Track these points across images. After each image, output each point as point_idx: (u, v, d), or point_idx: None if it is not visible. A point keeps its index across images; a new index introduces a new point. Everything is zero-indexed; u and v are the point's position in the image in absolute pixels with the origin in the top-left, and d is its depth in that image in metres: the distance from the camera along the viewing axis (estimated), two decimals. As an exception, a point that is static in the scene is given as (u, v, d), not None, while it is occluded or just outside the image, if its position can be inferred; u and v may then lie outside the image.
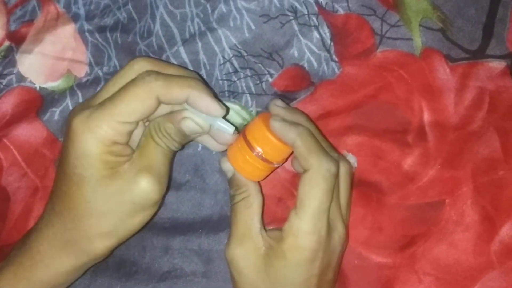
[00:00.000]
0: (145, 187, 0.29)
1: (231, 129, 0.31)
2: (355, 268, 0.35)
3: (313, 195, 0.30)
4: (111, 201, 0.29)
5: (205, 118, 0.30)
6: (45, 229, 0.31)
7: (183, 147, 0.32)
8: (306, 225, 0.30)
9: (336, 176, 0.31)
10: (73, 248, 0.30)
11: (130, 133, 0.30)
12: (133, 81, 0.29)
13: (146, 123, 0.32)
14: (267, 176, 0.33)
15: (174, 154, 0.32)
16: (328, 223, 0.31)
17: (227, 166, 0.33)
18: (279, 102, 0.33)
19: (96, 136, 0.28)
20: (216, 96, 0.31)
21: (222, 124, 0.30)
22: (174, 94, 0.29)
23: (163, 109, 0.30)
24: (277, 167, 0.33)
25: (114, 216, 0.30)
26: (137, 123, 0.29)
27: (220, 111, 0.30)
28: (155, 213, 0.31)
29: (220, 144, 0.32)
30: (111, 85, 0.30)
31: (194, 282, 0.36)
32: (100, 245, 0.30)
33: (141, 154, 0.30)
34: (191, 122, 0.30)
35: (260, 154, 0.31)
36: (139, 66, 0.30)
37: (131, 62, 0.30)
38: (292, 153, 0.32)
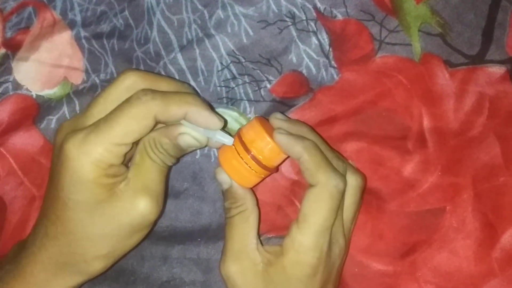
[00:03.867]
0: (143, 209, 0.28)
1: (230, 141, 0.30)
2: (356, 276, 0.35)
3: (318, 212, 0.29)
4: (109, 225, 0.28)
5: (203, 132, 0.30)
6: (38, 253, 0.30)
7: (178, 160, 0.31)
8: (308, 241, 0.29)
9: (343, 193, 0.30)
10: (69, 271, 0.30)
11: (125, 154, 0.29)
12: (128, 101, 0.28)
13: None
14: (261, 182, 0.32)
15: (169, 169, 0.31)
16: (330, 238, 0.30)
17: (223, 177, 0.32)
18: (279, 115, 0.33)
19: (92, 161, 0.27)
20: (212, 108, 0.31)
21: (221, 137, 0.30)
22: (172, 113, 0.28)
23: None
24: (272, 173, 0.32)
25: (112, 239, 0.29)
26: (133, 143, 0.29)
27: (219, 124, 0.29)
28: (150, 232, 0.31)
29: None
30: (102, 102, 0.29)
31: (193, 291, 0.36)
32: (97, 267, 0.30)
33: (137, 173, 0.29)
34: (189, 137, 0.29)
35: (255, 157, 0.30)
36: (130, 81, 0.29)
37: (121, 76, 0.30)
38: (287, 157, 0.32)
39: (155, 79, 0.30)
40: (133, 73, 0.30)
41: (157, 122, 0.29)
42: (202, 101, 0.29)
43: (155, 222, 0.30)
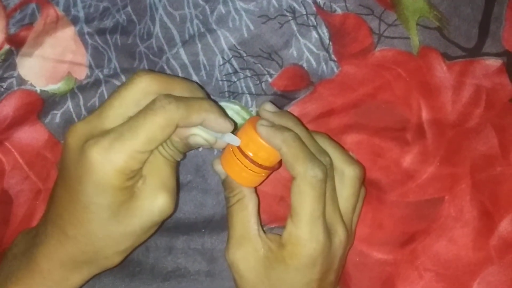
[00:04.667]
0: (163, 205, 0.30)
1: (237, 142, 0.31)
2: (357, 265, 0.36)
3: (304, 203, 0.30)
4: (131, 223, 0.29)
5: (213, 134, 0.31)
6: (55, 252, 0.30)
7: (185, 156, 0.33)
8: (303, 233, 0.30)
9: (324, 180, 0.30)
10: (87, 266, 0.31)
11: (147, 159, 0.29)
12: (152, 109, 0.28)
13: None
14: (264, 181, 0.33)
15: (178, 164, 0.32)
16: (326, 228, 0.31)
17: (219, 168, 0.33)
18: (268, 107, 0.34)
19: (117, 169, 0.28)
20: (224, 111, 0.31)
21: (229, 138, 0.31)
22: (192, 120, 0.29)
23: None
24: (273, 171, 0.33)
25: (133, 235, 0.30)
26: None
27: (230, 128, 0.30)
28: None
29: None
30: (118, 105, 0.29)
31: (198, 281, 0.36)
32: (116, 261, 0.31)
33: (152, 171, 0.30)
34: (200, 138, 0.30)
35: (253, 159, 0.31)
36: (144, 83, 0.29)
37: (134, 79, 0.30)
38: None
39: (169, 81, 0.30)
40: (147, 75, 0.30)
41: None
42: (217, 106, 0.30)
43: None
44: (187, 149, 0.31)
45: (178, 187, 0.32)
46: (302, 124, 0.34)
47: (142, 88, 0.29)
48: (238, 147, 0.31)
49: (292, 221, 0.30)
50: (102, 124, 0.29)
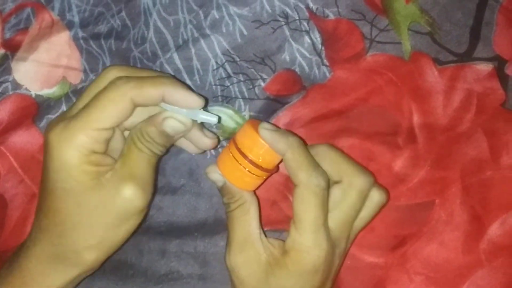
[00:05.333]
0: (129, 196, 0.29)
1: (214, 119, 0.30)
2: (348, 268, 0.36)
3: (308, 211, 0.30)
4: (95, 213, 0.29)
5: (187, 114, 0.30)
6: (32, 247, 0.30)
7: (167, 151, 0.32)
8: (307, 240, 0.30)
9: (326, 189, 0.30)
10: (62, 263, 0.30)
11: (107, 141, 0.29)
12: (105, 88, 0.29)
13: (126, 133, 0.32)
14: (261, 184, 0.33)
15: (158, 159, 0.31)
16: (329, 235, 0.31)
17: (215, 176, 0.32)
18: (266, 125, 0.31)
19: (73, 146, 0.28)
20: (190, 88, 0.31)
21: (205, 116, 0.30)
22: (148, 93, 0.29)
23: (142, 115, 0.31)
24: (272, 173, 0.33)
25: (99, 227, 0.29)
26: (113, 129, 0.29)
27: (199, 101, 0.29)
28: (142, 222, 0.31)
29: (200, 148, 0.33)
30: (85, 96, 0.30)
31: (191, 285, 0.37)
32: (89, 258, 0.30)
33: (124, 163, 0.30)
34: (173, 120, 0.30)
35: (253, 161, 0.31)
36: (111, 74, 0.30)
37: (103, 71, 0.30)
38: None
39: (137, 70, 0.31)
40: (115, 67, 0.31)
41: (136, 106, 0.29)
42: (179, 82, 0.30)
43: (145, 214, 0.31)
44: (166, 140, 0.30)
45: (155, 184, 0.31)
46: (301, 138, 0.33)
47: (108, 79, 0.30)
48: (239, 151, 0.31)
49: (295, 228, 0.30)
50: (71, 114, 0.30)
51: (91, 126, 0.28)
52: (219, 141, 0.35)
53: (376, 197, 0.32)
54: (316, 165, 0.31)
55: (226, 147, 0.32)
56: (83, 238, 0.30)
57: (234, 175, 0.31)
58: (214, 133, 0.32)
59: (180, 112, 0.30)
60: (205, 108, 0.31)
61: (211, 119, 0.30)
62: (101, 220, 0.29)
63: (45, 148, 0.29)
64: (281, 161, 0.32)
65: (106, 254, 0.31)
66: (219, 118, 0.31)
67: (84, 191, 0.29)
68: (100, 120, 0.28)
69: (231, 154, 0.31)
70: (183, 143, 0.34)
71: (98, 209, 0.29)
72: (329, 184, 0.31)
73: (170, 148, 0.33)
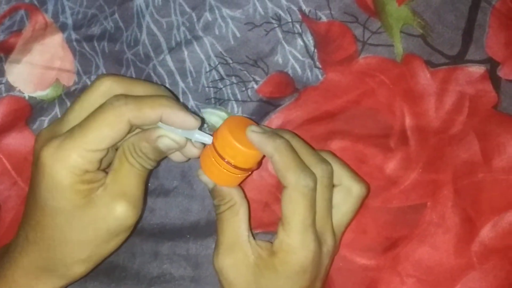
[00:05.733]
0: (121, 214, 0.29)
1: (209, 139, 0.30)
2: (340, 270, 0.36)
3: (296, 212, 0.30)
4: (86, 230, 0.29)
5: (181, 133, 0.30)
6: (19, 258, 0.30)
7: (158, 164, 0.32)
8: (294, 241, 0.30)
9: (315, 189, 0.30)
10: (50, 275, 0.30)
11: (101, 160, 0.29)
12: (101, 107, 0.28)
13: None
14: (244, 180, 0.33)
15: (149, 173, 0.31)
16: (317, 236, 0.31)
17: (205, 178, 0.32)
18: (254, 128, 0.31)
19: (66, 167, 0.27)
20: (187, 108, 0.31)
21: (200, 136, 0.30)
22: (146, 116, 0.28)
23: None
24: (253, 171, 0.33)
25: (90, 244, 0.29)
26: (108, 149, 0.29)
27: (196, 123, 0.29)
28: (131, 233, 0.31)
29: (186, 157, 0.32)
30: (77, 108, 0.29)
31: (183, 286, 0.37)
32: (77, 271, 0.30)
33: (115, 179, 0.29)
34: (168, 139, 0.29)
35: (230, 162, 0.31)
36: (105, 86, 0.29)
37: (96, 82, 0.30)
38: (264, 157, 0.32)
39: (130, 83, 0.30)
40: (108, 78, 0.30)
41: (132, 127, 0.29)
42: (177, 102, 0.29)
43: (134, 226, 0.31)
44: (158, 156, 0.30)
45: (145, 198, 0.31)
46: (300, 137, 0.34)
47: (102, 91, 0.29)
48: (216, 150, 0.31)
49: (283, 229, 0.30)
50: (62, 127, 0.29)
51: (86, 147, 0.28)
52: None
53: (355, 189, 0.32)
54: (304, 167, 0.31)
55: (206, 145, 0.32)
56: (72, 253, 0.29)
57: (214, 173, 0.31)
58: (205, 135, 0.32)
59: (174, 130, 0.30)
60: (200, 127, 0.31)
61: (205, 139, 0.30)
62: (92, 236, 0.29)
63: (37, 164, 0.28)
64: (261, 159, 0.32)
65: (93, 266, 0.31)
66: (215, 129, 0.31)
67: (75, 209, 0.28)
68: (95, 142, 0.28)
69: (210, 153, 0.31)
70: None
71: (89, 226, 0.29)
72: (316, 185, 0.31)
73: (161, 161, 0.32)
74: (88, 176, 0.28)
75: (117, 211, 0.29)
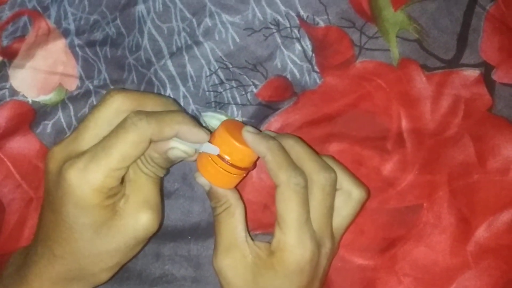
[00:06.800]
0: (147, 223, 0.30)
1: (215, 151, 0.32)
2: (338, 270, 0.37)
3: (290, 210, 0.31)
4: (115, 241, 0.30)
5: (191, 145, 0.31)
6: (45, 271, 0.31)
7: (168, 171, 0.33)
8: (291, 239, 0.31)
9: (306, 187, 0.31)
10: (76, 284, 0.32)
11: (123, 175, 0.30)
12: (123, 127, 0.29)
13: None
14: (240, 182, 0.34)
15: (162, 180, 0.33)
16: (314, 234, 0.31)
17: (202, 180, 0.33)
18: (249, 128, 0.33)
19: (94, 188, 0.28)
20: (198, 122, 0.33)
21: (207, 147, 0.32)
22: (166, 134, 0.29)
23: None
24: (249, 171, 0.34)
25: (118, 253, 0.31)
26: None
27: (206, 138, 0.31)
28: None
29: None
30: (92, 126, 0.30)
31: (185, 287, 0.37)
32: (104, 278, 0.32)
33: (135, 189, 0.31)
34: (178, 150, 0.31)
35: (228, 161, 0.32)
36: (118, 103, 0.30)
37: (107, 99, 0.30)
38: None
39: (141, 97, 0.31)
40: (119, 95, 0.30)
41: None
42: (190, 118, 0.31)
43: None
44: (169, 164, 0.32)
45: (162, 203, 0.32)
46: (305, 142, 0.34)
47: (115, 108, 0.30)
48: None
49: (280, 228, 0.31)
50: (78, 145, 0.30)
51: (111, 167, 0.29)
52: None
53: (356, 194, 0.33)
54: (295, 166, 0.31)
55: None
56: (101, 263, 0.31)
57: (211, 174, 0.32)
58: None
59: (184, 142, 0.31)
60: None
61: (213, 151, 0.32)
62: (120, 247, 0.31)
63: (62, 185, 0.29)
64: (256, 160, 0.33)
65: (118, 270, 0.33)
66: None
67: (103, 223, 0.30)
68: (120, 161, 0.29)
69: (207, 155, 0.32)
70: None
71: (117, 237, 0.30)
72: (306, 184, 0.31)
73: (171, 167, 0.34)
74: (112, 191, 0.30)
75: (142, 219, 0.30)
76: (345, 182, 0.34)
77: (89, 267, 0.31)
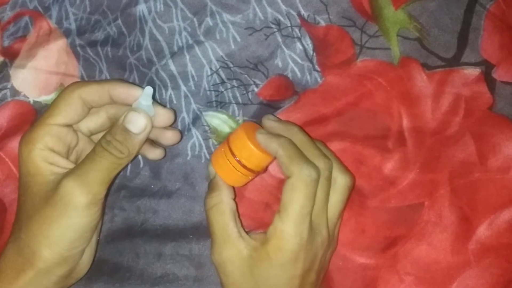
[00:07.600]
0: (66, 189, 0.30)
1: (151, 111, 0.33)
2: (340, 269, 0.37)
3: (295, 199, 0.31)
4: (40, 204, 0.31)
5: (136, 104, 0.33)
6: (6, 251, 0.33)
7: (134, 157, 0.33)
8: (289, 228, 0.31)
9: (317, 181, 0.32)
10: (24, 265, 0.31)
11: (65, 142, 0.33)
12: (64, 92, 0.33)
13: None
14: (248, 182, 0.34)
15: (114, 169, 0.32)
16: (311, 226, 0.32)
17: (211, 169, 0.34)
18: (271, 117, 0.35)
19: (32, 142, 0.31)
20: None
21: (142, 104, 0.32)
22: (94, 89, 0.32)
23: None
24: (257, 175, 0.34)
25: (45, 222, 0.31)
26: (70, 127, 0.33)
27: (140, 90, 0.33)
28: (98, 222, 0.33)
29: (158, 152, 0.36)
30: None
31: (186, 286, 0.37)
32: (44, 253, 0.31)
33: (77, 164, 0.32)
34: (133, 113, 0.32)
35: (241, 161, 0.32)
36: (79, 91, 0.33)
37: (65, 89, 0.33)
38: (271, 162, 0.34)
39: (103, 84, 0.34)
40: (78, 83, 0.33)
41: (87, 104, 0.33)
42: (126, 81, 0.33)
43: (99, 217, 0.32)
44: (126, 139, 0.32)
45: (108, 190, 0.32)
46: (304, 131, 0.35)
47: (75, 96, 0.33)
48: (230, 148, 0.33)
49: (279, 216, 0.31)
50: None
51: (46, 122, 0.32)
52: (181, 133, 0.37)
53: (340, 180, 0.33)
54: (307, 160, 0.32)
55: (221, 143, 0.34)
56: (38, 234, 0.31)
57: (222, 169, 0.33)
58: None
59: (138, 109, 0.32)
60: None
61: (146, 108, 0.32)
62: (44, 211, 0.31)
63: (19, 159, 0.33)
64: (268, 164, 0.34)
65: (60, 252, 0.31)
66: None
67: (37, 186, 0.31)
68: (53, 116, 0.32)
69: (223, 151, 0.33)
70: (144, 151, 0.36)
71: (42, 201, 0.31)
72: (319, 177, 0.32)
73: (134, 158, 0.34)
74: (53, 156, 0.32)
75: (63, 184, 0.31)
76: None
77: (27, 238, 0.31)
